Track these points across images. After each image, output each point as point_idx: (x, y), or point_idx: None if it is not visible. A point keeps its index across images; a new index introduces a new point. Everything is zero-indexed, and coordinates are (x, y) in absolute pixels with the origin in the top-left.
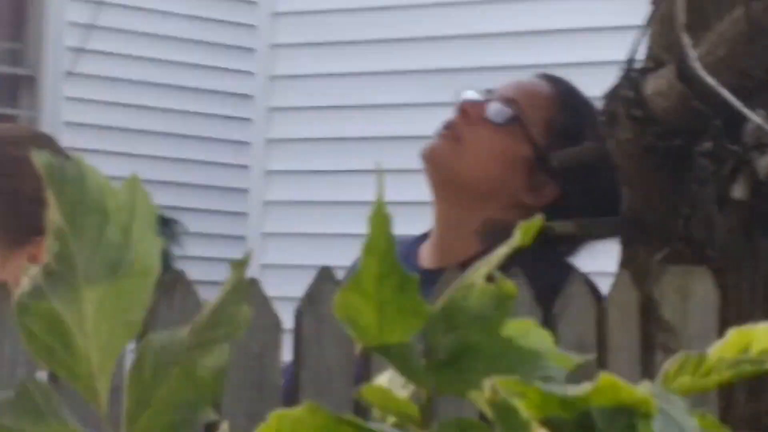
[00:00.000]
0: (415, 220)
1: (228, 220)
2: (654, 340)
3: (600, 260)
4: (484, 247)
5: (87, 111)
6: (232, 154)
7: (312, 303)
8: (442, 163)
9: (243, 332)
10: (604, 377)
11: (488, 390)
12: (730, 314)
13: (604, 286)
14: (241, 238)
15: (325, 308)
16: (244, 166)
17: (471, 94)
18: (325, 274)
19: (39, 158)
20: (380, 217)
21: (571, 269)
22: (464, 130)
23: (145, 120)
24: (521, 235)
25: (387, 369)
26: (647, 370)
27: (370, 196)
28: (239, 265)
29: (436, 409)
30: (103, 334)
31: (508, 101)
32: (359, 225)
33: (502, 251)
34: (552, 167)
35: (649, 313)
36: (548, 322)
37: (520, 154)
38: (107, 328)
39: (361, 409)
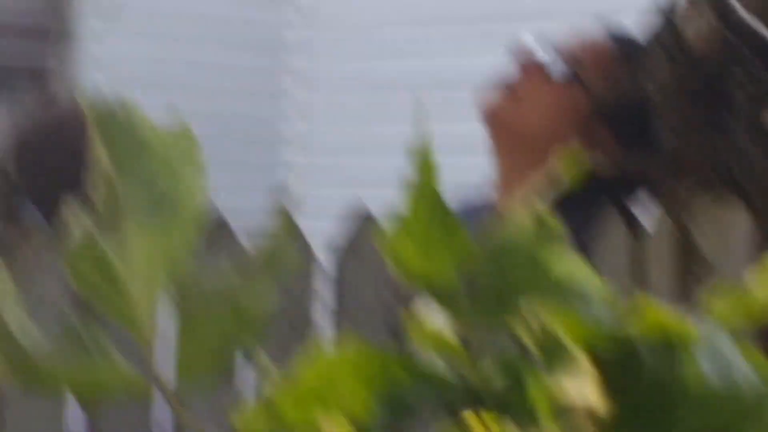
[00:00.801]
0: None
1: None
2: (691, 273)
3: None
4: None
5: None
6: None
7: (354, 250)
8: (504, 121)
9: (290, 273)
10: (649, 307)
11: (529, 317)
12: (766, 244)
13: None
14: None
15: (367, 254)
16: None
17: (530, 41)
18: (366, 220)
19: (85, 103)
20: (424, 156)
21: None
22: (524, 87)
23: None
24: (564, 171)
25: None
26: (685, 304)
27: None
28: (284, 209)
29: (481, 346)
30: (149, 273)
31: (568, 58)
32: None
33: (549, 194)
34: (610, 121)
35: (685, 247)
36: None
37: (580, 109)
38: (153, 266)
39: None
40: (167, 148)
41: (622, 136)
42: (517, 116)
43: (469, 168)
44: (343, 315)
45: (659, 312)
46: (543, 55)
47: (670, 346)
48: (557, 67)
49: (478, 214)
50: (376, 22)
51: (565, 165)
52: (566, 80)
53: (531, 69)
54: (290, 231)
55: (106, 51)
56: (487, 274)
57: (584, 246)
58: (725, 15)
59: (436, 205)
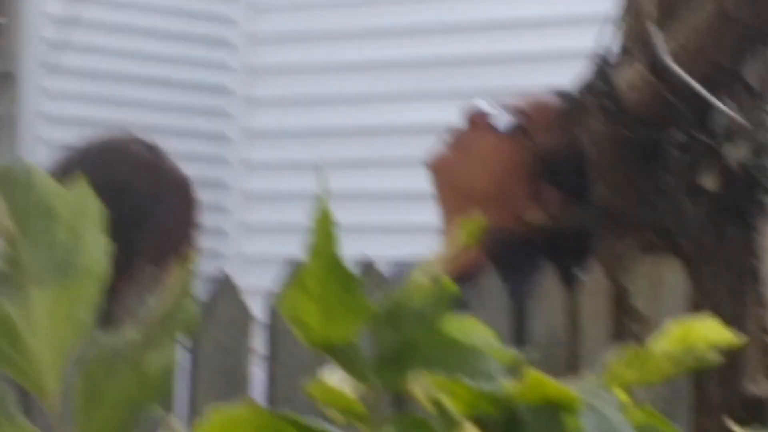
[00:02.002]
0: (395, 210)
1: (208, 212)
2: (626, 330)
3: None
4: (487, 257)
5: (66, 105)
6: (212, 147)
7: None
8: (448, 172)
9: (193, 328)
10: (531, 374)
11: (420, 387)
12: (701, 304)
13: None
14: (222, 231)
15: None
16: (223, 159)
17: (482, 105)
18: (294, 264)
19: None
20: (323, 216)
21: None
22: (470, 138)
23: (125, 113)
24: (464, 232)
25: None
26: None
27: (350, 186)
28: (184, 261)
29: (386, 407)
30: (52, 335)
31: (515, 111)
32: (339, 216)
33: (450, 251)
34: (552, 175)
35: (621, 303)
36: (521, 314)
37: (524, 162)
38: (57, 328)
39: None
40: (69, 210)
41: (564, 190)
42: (461, 167)
43: (414, 215)
44: (275, 363)
45: (541, 377)
46: (489, 108)
47: (553, 411)
48: (503, 120)
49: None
50: (317, 71)
51: (466, 226)
52: (511, 133)
53: (477, 120)
54: (187, 286)
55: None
56: (385, 335)
57: (520, 300)
58: (655, 65)
59: (334, 266)
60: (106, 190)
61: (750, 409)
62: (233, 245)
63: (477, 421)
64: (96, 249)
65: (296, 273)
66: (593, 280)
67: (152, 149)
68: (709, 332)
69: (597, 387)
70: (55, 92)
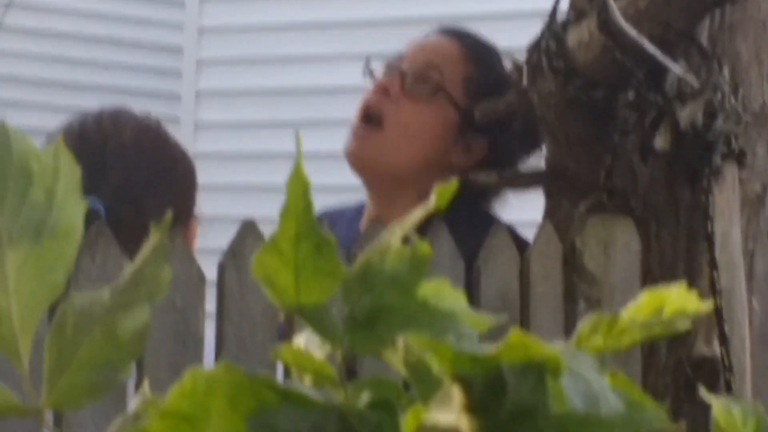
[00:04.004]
0: (346, 172)
1: None
2: (577, 291)
3: (525, 211)
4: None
5: (13, 64)
6: (163, 107)
7: (235, 256)
8: (369, 160)
9: (164, 293)
10: (514, 335)
11: (401, 348)
12: (653, 264)
13: (529, 236)
14: None
15: (248, 262)
16: (175, 119)
17: (380, 68)
18: (248, 227)
19: None
20: (298, 179)
21: (495, 221)
22: (386, 112)
23: (73, 72)
24: (437, 198)
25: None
26: (570, 321)
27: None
28: (161, 225)
29: (354, 370)
30: (25, 295)
31: (423, 70)
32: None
33: (417, 213)
34: (477, 124)
35: (571, 264)
36: (471, 274)
37: (446, 121)
38: (30, 289)
39: (286, 365)
40: (46, 171)
41: (498, 142)
42: (380, 151)
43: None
44: (226, 324)
45: (524, 338)
46: (399, 74)
47: (536, 371)
48: (418, 85)
49: (341, 217)
50: (266, 31)
51: (437, 191)
52: (428, 95)
53: (390, 90)
54: (163, 248)
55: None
56: (358, 298)
57: (471, 260)
58: (606, 25)
59: (307, 228)
60: (115, 157)
61: (700, 371)
62: None
63: (459, 381)
64: (72, 211)
65: (270, 235)
66: (544, 240)
67: (154, 119)
68: (679, 300)
69: (575, 350)
70: (4, 51)
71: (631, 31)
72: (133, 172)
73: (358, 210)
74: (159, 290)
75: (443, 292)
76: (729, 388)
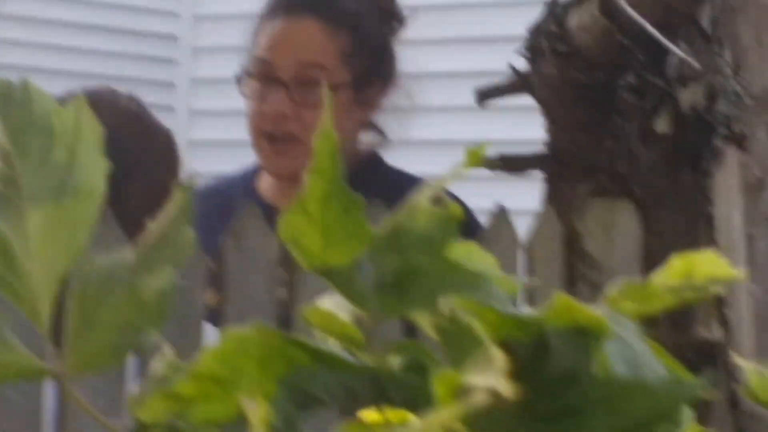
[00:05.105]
0: None
1: None
2: (579, 274)
3: (524, 196)
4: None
5: (7, 52)
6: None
7: (237, 237)
8: (302, 169)
9: (189, 254)
10: (560, 298)
11: (443, 311)
12: (653, 247)
13: (526, 222)
14: None
15: (249, 243)
16: (169, 107)
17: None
18: (249, 211)
19: None
20: (326, 138)
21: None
22: (293, 130)
23: (68, 60)
24: (468, 160)
25: (322, 295)
26: None
27: None
28: (184, 187)
29: (380, 333)
30: (47, 255)
31: (300, 72)
32: None
33: (447, 175)
34: (364, 72)
35: (573, 247)
36: None
37: (345, 102)
38: (51, 249)
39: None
40: (68, 130)
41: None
42: (307, 158)
43: None
44: (227, 307)
45: (570, 301)
46: (281, 86)
47: (580, 335)
48: (308, 90)
49: (233, 185)
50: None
51: (471, 152)
52: (319, 92)
53: (286, 110)
54: (184, 211)
55: None
56: (387, 260)
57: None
58: (608, 7)
59: (335, 188)
60: None
61: (701, 354)
62: None
63: (502, 345)
64: (94, 170)
65: (298, 196)
66: (546, 223)
67: (135, 101)
68: (710, 265)
69: (618, 315)
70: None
71: (633, 14)
72: (114, 152)
73: (248, 174)
74: (183, 252)
75: (473, 253)
76: (729, 371)
